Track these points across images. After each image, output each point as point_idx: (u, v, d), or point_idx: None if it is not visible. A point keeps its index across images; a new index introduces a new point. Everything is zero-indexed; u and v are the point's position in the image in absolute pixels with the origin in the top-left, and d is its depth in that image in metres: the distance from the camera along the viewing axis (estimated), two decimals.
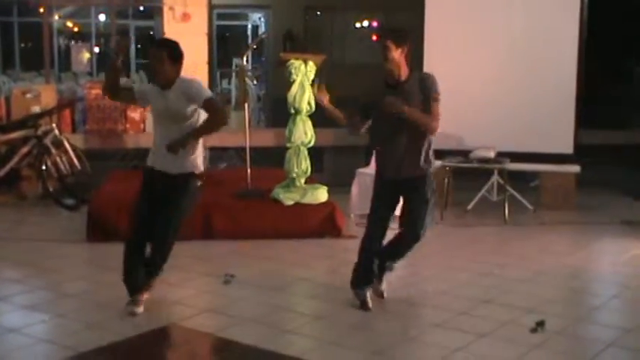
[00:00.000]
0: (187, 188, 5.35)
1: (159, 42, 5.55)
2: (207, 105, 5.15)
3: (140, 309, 5.37)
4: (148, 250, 5.47)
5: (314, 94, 5.86)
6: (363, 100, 5.59)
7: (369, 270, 5.65)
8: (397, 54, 5.32)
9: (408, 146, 5.37)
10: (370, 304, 5.58)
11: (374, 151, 5.75)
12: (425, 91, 5.30)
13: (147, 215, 5.35)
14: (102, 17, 20.17)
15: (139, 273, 5.43)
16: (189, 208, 5.47)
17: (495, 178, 9.35)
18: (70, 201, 9.02)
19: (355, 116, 5.57)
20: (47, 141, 9.06)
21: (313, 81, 7.53)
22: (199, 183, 5.42)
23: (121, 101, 6.05)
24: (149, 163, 5.43)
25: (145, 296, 5.46)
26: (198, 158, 5.39)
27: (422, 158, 5.41)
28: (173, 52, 5.24)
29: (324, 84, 5.71)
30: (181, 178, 5.32)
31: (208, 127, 5.21)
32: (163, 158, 5.26)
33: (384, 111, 5.25)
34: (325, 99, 5.60)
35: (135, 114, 10.15)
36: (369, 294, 5.65)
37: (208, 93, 5.24)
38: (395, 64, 5.34)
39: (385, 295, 5.76)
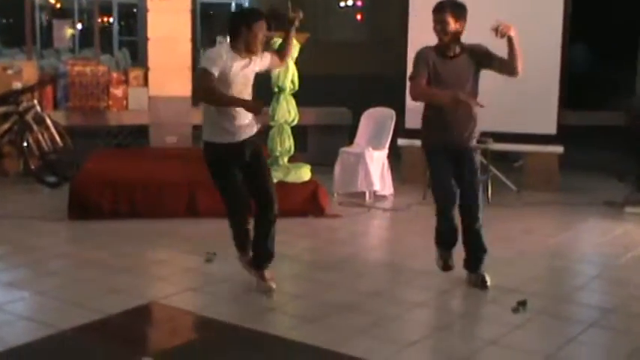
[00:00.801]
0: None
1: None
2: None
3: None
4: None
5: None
6: (421, 66, 5.36)
7: (449, 233, 5.60)
8: (455, 27, 5.30)
9: (466, 113, 5.40)
10: (452, 266, 5.68)
11: (426, 119, 5.60)
12: (481, 54, 5.37)
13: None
14: None
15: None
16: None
17: (478, 157, 9.33)
18: (51, 178, 8.96)
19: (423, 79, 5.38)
20: (29, 117, 8.98)
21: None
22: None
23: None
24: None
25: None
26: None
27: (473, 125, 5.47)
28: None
29: None
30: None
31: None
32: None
33: (458, 104, 5.24)
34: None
35: (117, 91, 10.07)
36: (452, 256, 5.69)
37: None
38: (452, 38, 5.32)
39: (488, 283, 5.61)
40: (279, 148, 8.01)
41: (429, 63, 5.34)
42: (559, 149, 9.30)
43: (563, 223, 7.95)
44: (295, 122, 8.07)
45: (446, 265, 5.75)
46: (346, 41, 16.32)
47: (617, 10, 13.24)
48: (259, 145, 5.43)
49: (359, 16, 17.50)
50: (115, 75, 10.24)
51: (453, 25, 5.29)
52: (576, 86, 10.53)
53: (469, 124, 5.46)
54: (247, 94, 5.21)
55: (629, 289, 5.78)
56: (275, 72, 7.81)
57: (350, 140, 9.33)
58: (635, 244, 7.00)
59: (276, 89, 7.94)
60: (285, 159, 8.09)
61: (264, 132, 8.15)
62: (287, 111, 7.97)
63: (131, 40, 19.26)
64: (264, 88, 8.36)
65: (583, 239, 7.58)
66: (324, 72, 13.26)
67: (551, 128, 9.34)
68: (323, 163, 8.92)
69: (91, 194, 7.52)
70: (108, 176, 7.89)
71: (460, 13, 5.33)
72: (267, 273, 5.47)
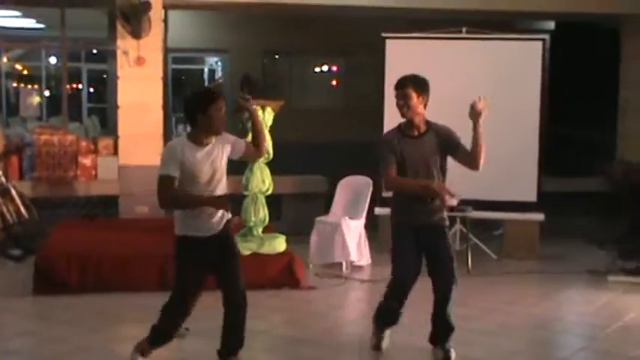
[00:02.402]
0: None
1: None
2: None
3: None
4: None
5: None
6: (387, 153, 5.48)
7: (393, 313, 5.67)
8: (418, 103, 5.36)
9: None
10: (383, 347, 5.68)
11: (396, 199, 5.67)
12: (446, 138, 5.44)
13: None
14: (52, 60, 20.06)
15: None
16: None
17: (458, 226, 9.39)
18: (16, 252, 8.83)
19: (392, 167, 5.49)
20: None
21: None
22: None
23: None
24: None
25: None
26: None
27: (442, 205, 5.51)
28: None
29: None
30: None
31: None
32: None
33: (432, 194, 5.34)
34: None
35: (86, 160, 10.04)
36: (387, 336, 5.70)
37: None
38: (415, 113, 5.38)
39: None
40: (253, 219, 7.99)
41: (395, 147, 5.41)
42: (540, 216, 9.36)
43: (545, 292, 7.96)
44: (270, 192, 8.08)
45: (378, 345, 5.76)
46: (321, 107, 16.50)
47: (594, 70, 13.53)
48: (231, 237, 5.33)
49: (334, 82, 17.72)
50: (83, 143, 10.21)
51: (415, 99, 5.36)
52: (553, 151, 10.67)
53: (437, 203, 5.51)
54: (218, 181, 5.12)
55: None
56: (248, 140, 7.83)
57: (326, 209, 9.34)
58: (620, 314, 7.01)
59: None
60: (260, 229, 8.07)
61: (238, 201, 8.16)
62: (261, 180, 7.98)
63: (101, 107, 19.33)
64: None
65: (566, 309, 7.58)
66: (299, 139, 13.37)
67: (531, 195, 9.43)
68: (298, 233, 8.90)
69: (58, 268, 7.43)
70: (75, 248, 7.82)
71: (422, 87, 5.42)
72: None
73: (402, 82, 5.43)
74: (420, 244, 5.50)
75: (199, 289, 5.23)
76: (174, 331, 5.30)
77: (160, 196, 4.93)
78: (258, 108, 7.87)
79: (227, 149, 5.20)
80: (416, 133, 5.44)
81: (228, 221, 5.23)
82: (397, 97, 5.42)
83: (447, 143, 5.45)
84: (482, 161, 5.42)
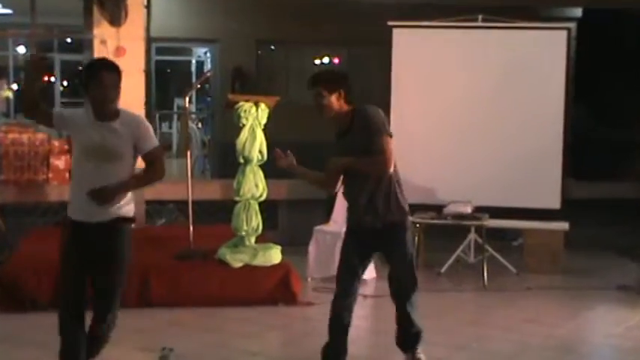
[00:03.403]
0: (120, 236, 5.14)
1: (108, 64, 5.37)
2: (154, 155, 5.09)
3: None
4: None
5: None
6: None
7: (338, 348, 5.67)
8: (333, 100, 5.39)
9: (376, 193, 5.45)
10: None
11: (347, 207, 5.78)
12: (365, 128, 5.34)
13: (80, 279, 5.17)
14: (21, 49, 20.09)
15: (83, 349, 5.29)
16: (127, 260, 5.26)
17: (472, 236, 9.40)
18: None
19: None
20: None
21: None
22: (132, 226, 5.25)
23: (37, 120, 5.57)
24: (70, 213, 5.16)
25: None
26: (128, 205, 5.18)
27: (392, 204, 5.49)
28: (120, 74, 5.19)
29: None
30: (110, 225, 5.09)
31: (147, 180, 5.17)
32: (87, 205, 5.00)
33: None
34: (290, 163, 5.62)
35: (59, 161, 10.05)
36: None
37: (156, 140, 5.18)
38: (333, 112, 5.42)
39: None
40: (244, 227, 8.01)
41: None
42: (564, 226, 9.37)
43: (570, 310, 7.96)
44: (263, 197, 8.10)
45: None
46: None
47: (625, 66, 13.55)
48: (121, 235, 5.18)
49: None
50: (56, 143, 10.19)
51: (329, 98, 5.39)
52: (579, 154, 10.69)
53: (387, 201, 5.49)
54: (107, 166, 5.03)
55: None
56: (239, 141, 7.87)
57: (326, 217, 9.35)
58: None
59: (241, 160, 7.98)
60: (252, 239, 8.09)
61: (229, 208, 8.19)
62: (254, 185, 8.01)
63: (76, 102, 19.36)
64: (229, 157, 8.43)
65: (594, 330, 7.59)
66: (296, 139, 13.37)
67: (554, 202, 9.44)
68: (296, 243, 8.92)
69: (26, 282, 7.44)
70: (45, 261, 7.77)
71: (334, 85, 5.43)
72: None
73: (312, 80, 5.49)
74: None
75: (77, 281, 5.18)
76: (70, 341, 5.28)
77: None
78: (252, 104, 7.92)
79: (124, 132, 5.10)
80: (340, 131, 5.50)
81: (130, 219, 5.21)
82: (313, 97, 5.49)
83: (366, 138, 5.40)
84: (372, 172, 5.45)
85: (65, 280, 5.22)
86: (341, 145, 5.44)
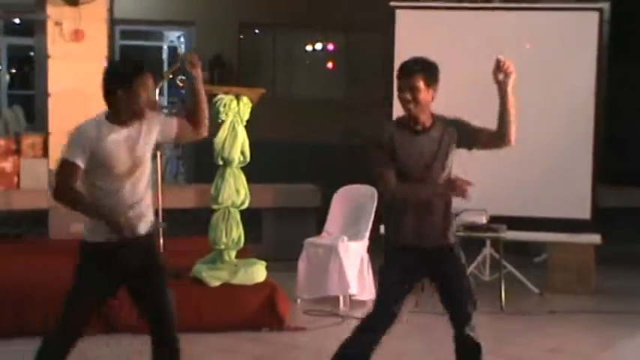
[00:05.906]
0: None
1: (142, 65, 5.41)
2: (182, 120, 5.33)
3: None
4: None
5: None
6: (382, 155, 5.48)
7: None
8: (427, 96, 5.42)
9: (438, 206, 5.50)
10: None
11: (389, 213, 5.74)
12: (461, 130, 5.54)
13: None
14: None
15: None
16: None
17: (488, 250, 9.43)
18: None
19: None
20: None
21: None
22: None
23: None
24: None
25: None
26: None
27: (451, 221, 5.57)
28: None
29: None
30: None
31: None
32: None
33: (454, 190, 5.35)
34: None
35: (6, 163, 10.04)
36: None
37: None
38: (422, 109, 5.43)
39: None
40: (224, 240, 8.02)
41: (391, 142, 5.42)
42: (595, 239, 9.38)
43: (602, 338, 7.98)
44: (246, 205, 8.12)
45: None
46: (314, 97, 16.49)
47: None
48: (153, 251, 5.40)
49: (330, 64, 17.74)
50: (2, 142, 10.23)
51: (424, 92, 5.41)
52: (613, 155, 10.72)
53: (445, 217, 5.55)
54: (141, 175, 5.16)
55: None
56: (218, 140, 7.89)
57: (319, 228, 9.38)
58: None
59: (220, 162, 7.99)
60: (233, 254, 8.11)
61: (206, 217, 8.20)
62: (235, 190, 8.02)
63: (26, 94, 19.36)
64: (206, 159, 8.45)
65: None
66: (284, 138, 13.43)
67: (583, 211, 9.45)
68: (283, 258, 8.95)
69: None
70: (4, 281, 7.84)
71: (434, 76, 5.50)
72: None
73: (409, 68, 5.44)
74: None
75: (87, 311, 5.37)
76: None
77: (57, 188, 5.03)
78: (232, 98, 7.95)
79: (154, 131, 5.21)
80: (420, 128, 5.47)
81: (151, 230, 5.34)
82: (401, 87, 5.42)
83: (463, 134, 5.51)
84: (513, 131, 5.53)
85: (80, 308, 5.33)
86: (415, 143, 5.42)
